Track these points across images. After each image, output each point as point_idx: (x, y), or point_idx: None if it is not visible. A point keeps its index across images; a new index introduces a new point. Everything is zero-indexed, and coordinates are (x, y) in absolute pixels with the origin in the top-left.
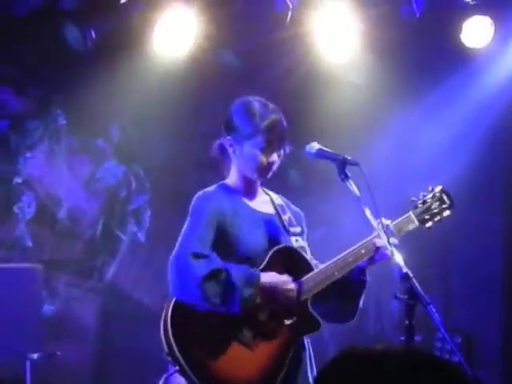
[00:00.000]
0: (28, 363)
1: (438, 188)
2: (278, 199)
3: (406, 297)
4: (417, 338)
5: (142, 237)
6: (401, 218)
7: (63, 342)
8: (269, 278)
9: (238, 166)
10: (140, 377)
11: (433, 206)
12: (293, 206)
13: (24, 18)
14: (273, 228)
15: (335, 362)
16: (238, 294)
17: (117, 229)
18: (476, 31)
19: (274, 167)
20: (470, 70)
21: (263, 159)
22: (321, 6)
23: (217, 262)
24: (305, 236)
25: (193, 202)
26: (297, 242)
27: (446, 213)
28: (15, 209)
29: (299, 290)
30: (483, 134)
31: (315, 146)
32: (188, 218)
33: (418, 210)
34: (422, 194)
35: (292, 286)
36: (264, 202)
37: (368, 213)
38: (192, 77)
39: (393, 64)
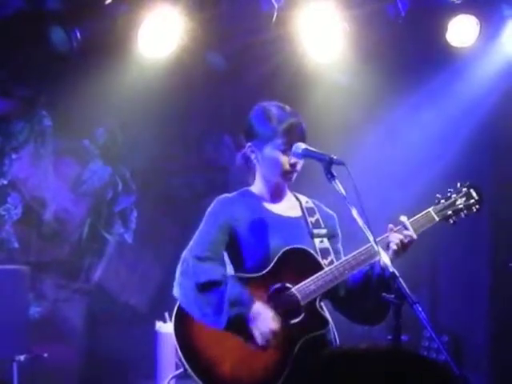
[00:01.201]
0: (15, 365)
1: (466, 183)
2: (308, 203)
3: (392, 296)
4: (404, 338)
5: (129, 238)
6: (418, 215)
7: (50, 343)
8: (261, 310)
9: (262, 171)
10: (126, 378)
11: (458, 202)
12: (326, 210)
13: (8, 19)
14: (292, 231)
15: (321, 361)
16: (226, 310)
17: (103, 230)
18: (461, 30)
19: (297, 168)
20: (455, 69)
21: (285, 161)
22: (306, 6)
23: (218, 271)
24: (336, 238)
25: (210, 206)
26: (321, 243)
27: (476, 207)
28: (1, 210)
29: (299, 297)
30: (469, 133)
31: (301, 145)
32: (202, 221)
33: (439, 206)
34: (448, 190)
35: (274, 328)
36: (290, 206)
37: (354, 212)
38: (178, 78)
39: (378, 64)
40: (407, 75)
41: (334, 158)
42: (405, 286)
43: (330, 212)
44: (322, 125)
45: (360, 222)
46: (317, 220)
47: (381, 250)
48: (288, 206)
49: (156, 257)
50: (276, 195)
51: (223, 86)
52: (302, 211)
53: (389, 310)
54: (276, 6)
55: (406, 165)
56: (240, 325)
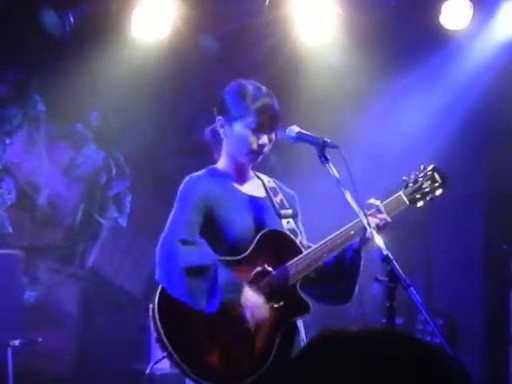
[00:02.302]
0: (9, 350)
1: (430, 166)
2: (270, 182)
3: (386, 279)
4: (398, 321)
5: (123, 222)
6: (391, 198)
7: (45, 328)
8: (251, 294)
9: (229, 148)
10: (121, 362)
11: (424, 185)
12: (286, 189)
13: (1, 3)
14: (263, 211)
15: (312, 345)
16: (220, 295)
17: (97, 214)
18: (455, 13)
19: (265, 150)
20: (448, 52)
21: (253, 141)
22: None
23: (205, 255)
24: (298, 218)
25: (180, 187)
26: (288, 223)
27: (439, 191)
28: None
29: (280, 281)
30: (462, 116)
31: (295, 129)
32: (175, 203)
33: (409, 189)
34: (413, 172)
35: (265, 313)
36: (255, 185)
37: (348, 195)
38: (171, 62)
39: (371, 47)
40: (400, 58)
41: (328, 141)
42: (399, 268)
43: (291, 191)
44: (315, 107)
45: (353, 205)
46: (281, 200)
47: (375, 233)
48: (253, 186)
49: (150, 241)
50: (241, 174)
51: (216, 70)
52: (266, 191)
53: (354, 290)
54: None
55: (398, 147)
56: (230, 309)
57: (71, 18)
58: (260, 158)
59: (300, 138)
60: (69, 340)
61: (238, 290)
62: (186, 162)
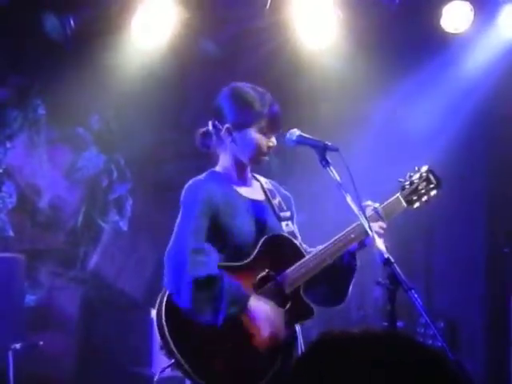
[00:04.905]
0: (10, 353)
1: (425, 168)
2: (267, 184)
3: (387, 282)
4: (399, 324)
5: (124, 225)
6: (389, 200)
7: (46, 331)
8: (257, 304)
9: (236, 152)
10: (122, 365)
11: (420, 187)
12: (282, 190)
13: (2, 6)
14: (264, 215)
15: (312, 347)
16: (224, 309)
17: (98, 218)
18: (455, 16)
19: (271, 151)
20: (449, 56)
21: (264, 143)
22: None
23: (213, 264)
24: (293, 219)
25: (184, 192)
26: (287, 226)
27: (433, 192)
28: None
29: (284, 285)
30: (463, 120)
31: (295, 132)
32: (181, 209)
33: (406, 191)
34: (408, 174)
35: (278, 318)
36: (255, 188)
37: (349, 198)
38: (172, 65)
39: (372, 50)
40: (401, 61)
41: (328, 144)
42: (400, 271)
43: (286, 192)
44: (315, 111)
45: (354, 208)
46: (279, 202)
47: (376, 236)
48: (253, 189)
49: (151, 245)
50: (242, 177)
51: (217, 74)
52: (265, 193)
53: (347, 293)
54: None
55: (400, 150)
56: (236, 321)
57: (72, 22)
58: (265, 160)
59: (300, 141)
60: (70, 343)
61: (244, 303)
62: (186, 166)
